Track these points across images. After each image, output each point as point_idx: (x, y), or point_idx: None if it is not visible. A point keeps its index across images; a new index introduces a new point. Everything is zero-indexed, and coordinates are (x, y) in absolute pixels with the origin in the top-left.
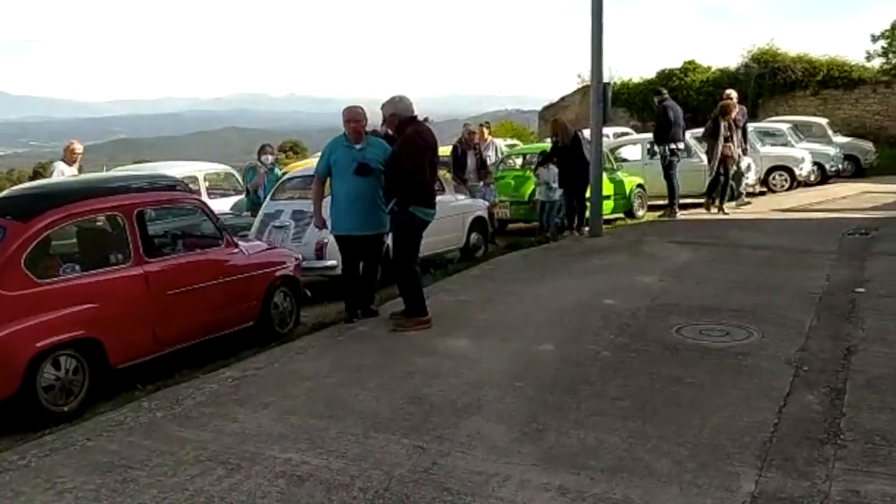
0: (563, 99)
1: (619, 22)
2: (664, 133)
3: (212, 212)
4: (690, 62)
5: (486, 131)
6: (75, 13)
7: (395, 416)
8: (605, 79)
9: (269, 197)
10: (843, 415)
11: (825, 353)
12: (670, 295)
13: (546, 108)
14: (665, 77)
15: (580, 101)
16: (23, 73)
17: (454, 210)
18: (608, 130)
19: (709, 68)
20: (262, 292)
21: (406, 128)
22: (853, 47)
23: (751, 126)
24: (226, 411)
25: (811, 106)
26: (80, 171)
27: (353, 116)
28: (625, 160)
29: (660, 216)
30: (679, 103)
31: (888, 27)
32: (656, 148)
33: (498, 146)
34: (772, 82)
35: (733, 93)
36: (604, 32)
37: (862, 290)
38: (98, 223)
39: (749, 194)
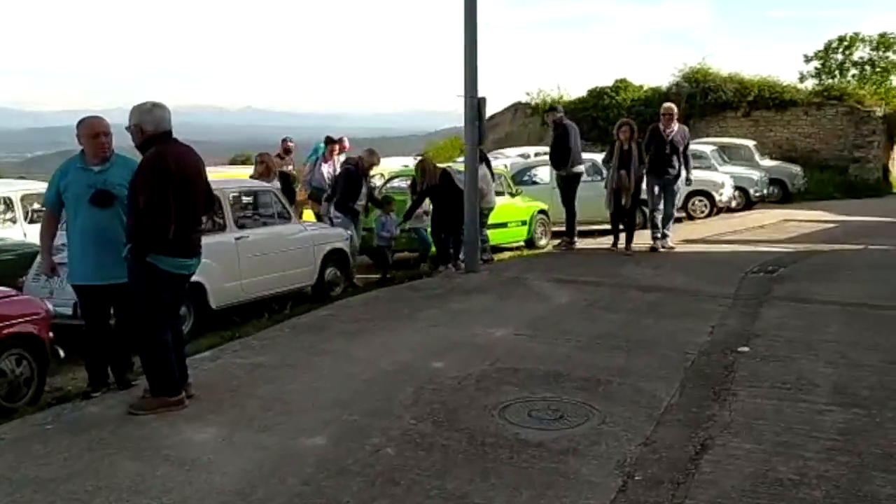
0: (492, 118)
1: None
2: (564, 157)
3: None
4: (622, 80)
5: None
6: (24, 18)
7: None
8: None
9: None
10: None
11: (673, 449)
12: (516, 355)
13: None
14: (596, 95)
15: (511, 119)
16: None
17: (303, 241)
18: (530, 150)
19: (641, 87)
20: None
21: (150, 147)
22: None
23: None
24: None
25: (742, 127)
26: None
27: (101, 129)
28: (535, 183)
29: (555, 247)
30: (609, 122)
31: (821, 48)
32: (556, 172)
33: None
34: (703, 102)
35: (673, 107)
36: (478, 43)
37: (746, 349)
38: None
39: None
